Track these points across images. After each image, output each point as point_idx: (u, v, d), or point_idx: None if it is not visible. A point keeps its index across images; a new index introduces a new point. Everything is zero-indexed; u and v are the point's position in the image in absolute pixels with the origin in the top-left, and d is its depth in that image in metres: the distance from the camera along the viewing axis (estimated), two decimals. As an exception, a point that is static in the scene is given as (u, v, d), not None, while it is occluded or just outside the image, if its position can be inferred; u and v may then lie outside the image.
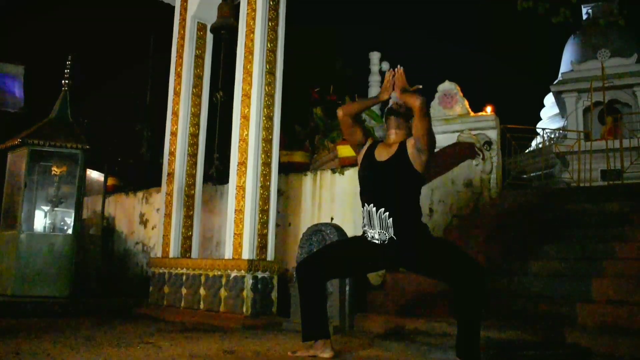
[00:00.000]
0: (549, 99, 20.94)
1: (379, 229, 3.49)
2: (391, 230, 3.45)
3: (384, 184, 3.55)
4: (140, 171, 10.03)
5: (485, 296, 3.52)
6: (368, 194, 3.61)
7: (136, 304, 7.19)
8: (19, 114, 13.36)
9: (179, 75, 7.37)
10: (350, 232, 5.69)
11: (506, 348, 4.12)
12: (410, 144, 3.56)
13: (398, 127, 3.69)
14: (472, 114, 10.30)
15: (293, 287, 5.74)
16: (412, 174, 3.54)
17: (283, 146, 7.00)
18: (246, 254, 6.00)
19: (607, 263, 5.23)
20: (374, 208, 3.50)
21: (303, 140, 7.79)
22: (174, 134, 7.27)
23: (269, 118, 6.32)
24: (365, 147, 3.81)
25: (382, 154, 3.66)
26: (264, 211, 6.17)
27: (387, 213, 3.44)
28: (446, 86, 10.73)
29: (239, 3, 6.77)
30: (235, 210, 6.16)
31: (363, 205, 3.62)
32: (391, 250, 3.50)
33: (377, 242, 3.52)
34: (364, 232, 3.64)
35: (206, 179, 7.51)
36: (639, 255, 5.25)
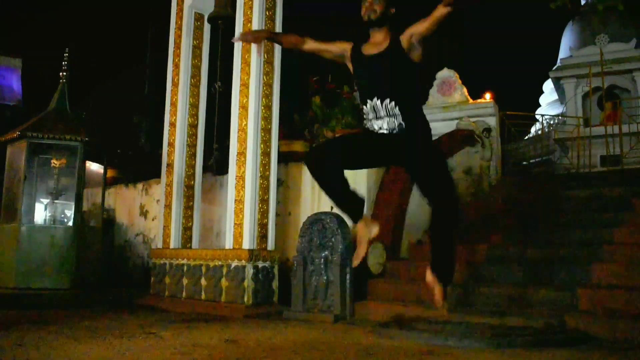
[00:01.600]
0: (548, 85, 20.87)
1: (387, 118, 3.50)
2: (400, 117, 3.47)
3: (384, 76, 3.54)
4: (139, 162, 10.04)
5: (458, 220, 3.69)
6: (369, 89, 3.60)
7: (137, 295, 7.21)
8: (17, 106, 13.35)
9: (176, 66, 7.35)
10: (350, 221, 5.69)
11: (507, 333, 4.14)
12: (405, 38, 3.53)
13: (379, 30, 3.65)
14: (471, 101, 10.27)
15: (293, 276, 5.76)
16: (410, 64, 3.54)
17: (282, 136, 6.99)
18: (247, 244, 6.01)
19: (607, 248, 5.24)
20: (378, 100, 3.50)
21: (302, 129, 7.77)
22: (172, 124, 7.26)
23: (268, 108, 6.31)
24: (349, 51, 3.77)
25: (372, 50, 3.64)
26: (264, 201, 6.18)
27: (393, 102, 3.46)
28: (445, 73, 10.70)
29: (236, -8, 6.75)
30: (235, 200, 6.17)
31: (365, 103, 3.60)
32: (399, 137, 3.51)
33: (385, 131, 3.52)
34: (370, 127, 3.61)
35: (206, 169, 7.51)
36: (639, 240, 5.26)
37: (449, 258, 3.64)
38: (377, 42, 3.65)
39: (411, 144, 3.51)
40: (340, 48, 3.80)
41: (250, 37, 3.97)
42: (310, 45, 3.82)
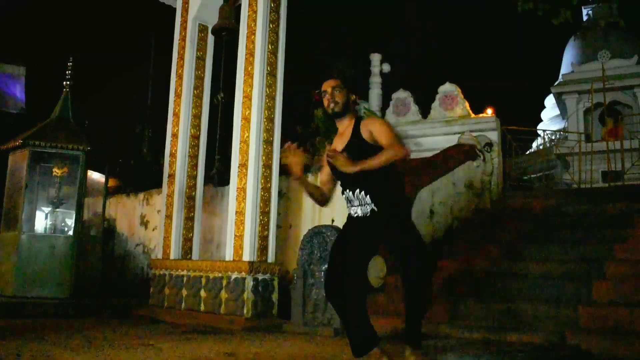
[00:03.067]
0: (550, 101, 20.94)
1: (360, 207, 3.62)
2: (372, 204, 3.58)
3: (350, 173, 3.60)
4: (141, 172, 10.04)
5: (430, 292, 3.73)
6: (343, 183, 3.72)
7: (136, 305, 7.19)
8: (20, 114, 13.37)
9: (180, 77, 7.37)
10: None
11: (507, 350, 4.12)
12: (365, 129, 3.60)
13: (343, 119, 3.73)
14: (472, 115, 10.28)
15: (293, 288, 5.74)
16: (372, 150, 3.55)
17: (283, 148, 6.99)
18: (247, 256, 5.99)
19: (608, 265, 5.23)
20: (350, 192, 3.64)
21: (304, 141, 7.78)
22: (175, 135, 7.27)
23: (270, 120, 6.32)
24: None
25: (337, 145, 3.72)
26: (264, 213, 6.17)
27: (363, 192, 3.58)
28: (447, 88, 10.71)
29: (240, 5, 6.78)
30: (236, 212, 6.16)
31: (343, 193, 3.73)
32: (375, 219, 3.58)
33: (361, 215, 3.63)
34: (349, 212, 3.73)
35: (207, 180, 7.51)
36: (640, 257, 5.25)
37: (419, 327, 3.68)
38: (342, 132, 3.75)
39: (385, 224, 3.59)
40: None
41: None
42: (328, 187, 3.92)
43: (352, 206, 3.68)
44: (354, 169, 3.37)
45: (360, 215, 3.62)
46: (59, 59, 8.83)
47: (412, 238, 3.68)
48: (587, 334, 4.31)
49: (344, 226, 3.78)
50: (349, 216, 3.73)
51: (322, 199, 3.88)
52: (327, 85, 3.74)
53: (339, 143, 3.71)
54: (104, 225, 8.89)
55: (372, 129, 3.58)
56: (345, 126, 3.73)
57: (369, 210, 3.58)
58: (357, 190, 3.59)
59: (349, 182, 3.62)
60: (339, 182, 3.80)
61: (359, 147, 3.56)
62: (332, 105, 3.70)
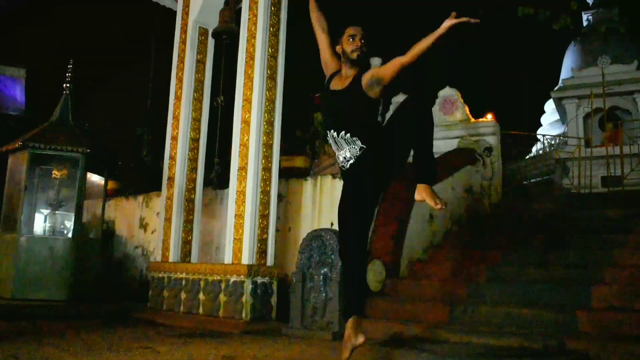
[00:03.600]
0: (550, 105, 20.96)
1: (347, 147, 3.59)
2: (358, 143, 3.56)
3: (339, 112, 3.65)
4: (140, 175, 10.04)
5: (431, 122, 3.67)
6: (329, 121, 3.73)
7: (135, 308, 7.18)
8: (20, 116, 13.37)
9: (180, 80, 7.38)
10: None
11: (506, 354, 4.11)
12: (366, 77, 3.59)
13: (350, 67, 3.70)
14: (472, 120, 10.31)
15: (292, 292, 5.73)
16: (367, 101, 3.59)
17: (283, 151, 7.00)
18: (246, 259, 5.99)
19: (608, 270, 5.23)
20: (335, 132, 3.62)
21: (303, 145, 7.79)
22: (174, 138, 7.27)
23: (270, 123, 6.33)
24: (328, 74, 3.86)
25: (336, 85, 3.73)
26: (264, 216, 6.17)
27: (349, 134, 3.56)
28: (447, 92, 10.74)
29: (240, 8, 6.79)
30: (235, 215, 6.16)
31: (326, 134, 3.73)
32: (364, 156, 3.57)
33: (351, 160, 3.60)
34: (339, 162, 3.71)
35: (206, 183, 7.50)
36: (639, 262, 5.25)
37: (434, 162, 3.93)
38: (346, 76, 3.72)
39: (378, 153, 3.57)
40: (328, 62, 3.88)
41: None
42: (321, 35, 3.93)
43: (339, 150, 3.64)
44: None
45: (350, 158, 3.60)
46: (59, 61, 8.84)
47: (366, 197, 3.62)
48: (586, 339, 4.30)
49: (343, 186, 3.76)
50: (342, 170, 3.71)
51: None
52: (357, 31, 3.69)
53: (338, 84, 3.70)
54: (103, 227, 8.88)
55: (376, 71, 3.56)
56: (350, 72, 3.70)
57: (358, 149, 3.56)
58: (343, 133, 3.57)
59: (335, 123, 3.62)
60: None
61: (352, 95, 3.58)
62: (358, 52, 3.66)
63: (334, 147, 3.70)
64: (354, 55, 3.65)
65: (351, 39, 3.67)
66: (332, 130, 3.63)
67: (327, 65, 3.90)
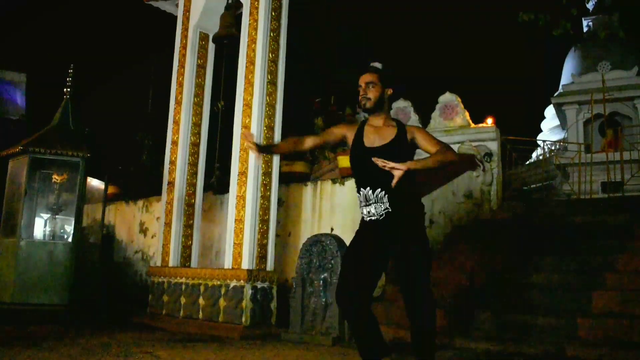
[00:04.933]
0: (550, 111, 20.96)
1: (374, 204, 3.51)
2: (387, 203, 3.48)
3: (381, 170, 3.43)
4: (140, 180, 10.03)
5: (434, 327, 3.57)
6: (364, 179, 3.59)
7: (135, 312, 7.17)
8: (20, 121, 13.38)
9: (180, 84, 7.39)
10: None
11: (506, 361, 4.11)
12: (409, 136, 3.55)
13: (378, 115, 3.64)
14: (472, 125, 10.28)
15: (292, 297, 5.73)
16: (409, 155, 3.54)
17: (284, 156, 7.01)
18: (246, 264, 5.99)
19: (608, 276, 5.22)
20: (370, 191, 3.51)
21: (304, 150, 7.78)
22: (174, 142, 7.28)
23: (270, 128, 6.33)
24: (350, 138, 3.71)
25: (373, 140, 3.61)
26: (264, 221, 6.16)
27: (383, 192, 3.47)
28: (447, 97, 10.72)
29: (241, 13, 6.80)
30: (236, 219, 6.16)
31: (359, 190, 3.59)
32: (387, 223, 3.50)
33: (374, 217, 3.52)
34: (362, 213, 3.62)
35: (206, 188, 7.50)
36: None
37: (432, 350, 3.56)
38: (378, 127, 3.64)
39: (401, 228, 3.49)
40: (340, 134, 3.77)
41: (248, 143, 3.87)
42: (309, 143, 3.81)
43: (366, 205, 3.55)
44: (405, 166, 3.27)
45: (373, 216, 3.51)
46: (60, 66, 8.85)
47: (421, 255, 3.49)
48: (585, 345, 4.30)
49: (357, 232, 3.63)
50: (362, 221, 3.62)
51: (292, 150, 3.91)
52: (362, 80, 3.64)
53: (377, 138, 3.59)
54: (103, 232, 8.87)
55: (417, 135, 3.54)
56: (380, 122, 3.63)
57: (383, 210, 3.49)
58: (379, 190, 3.47)
59: (371, 181, 3.50)
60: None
61: (398, 151, 3.49)
62: (364, 101, 3.61)
63: (361, 202, 3.60)
64: (361, 106, 3.64)
65: (359, 91, 3.64)
66: (369, 188, 3.52)
67: (338, 138, 3.80)
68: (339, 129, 3.77)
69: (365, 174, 3.57)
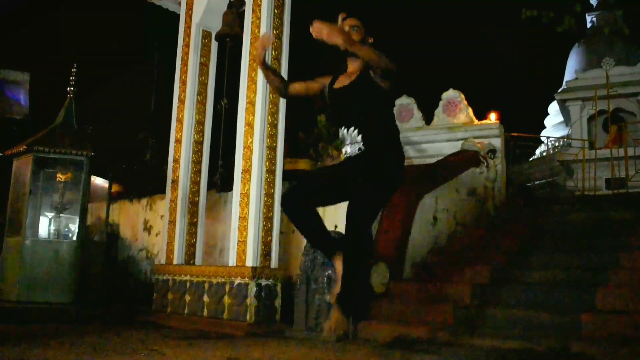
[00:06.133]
0: (554, 107, 20.94)
1: (351, 145, 3.61)
2: (361, 143, 3.56)
3: (348, 107, 3.65)
4: (144, 178, 10.05)
5: (363, 253, 3.52)
6: (338, 120, 3.74)
7: (140, 310, 7.19)
8: (24, 120, 13.40)
9: (183, 83, 7.39)
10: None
11: (509, 358, 4.11)
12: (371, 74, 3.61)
13: (355, 59, 3.68)
14: (476, 122, 10.28)
15: (296, 294, 5.74)
16: (378, 92, 3.59)
17: (287, 154, 7.01)
18: (250, 261, 6.00)
19: (612, 272, 5.22)
20: (345, 129, 3.64)
21: (307, 147, 7.79)
22: (178, 141, 7.29)
23: (274, 126, 6.33)
24: (327, 85, 3.85)
25: (343, 82, 3.73)
26: (268, 218, 6.17)
27: (357, 130, 3.57)
28: (450, 94, 10.72)
29: (244, 11, 6.81)
30: (240, 217, 6.17)
31: (337, 132, 3.75)
32: (356, 158, 3.58)
33: (350, 155, 3.62)
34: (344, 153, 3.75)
35: (210, 186, 7.51)
36: (644, 265, 5.23)
37: (347, 285, 3.46)
38: (351, 72, 3.74)
39: (359, 161, 3.55)
40: (321, 83, 3.89)
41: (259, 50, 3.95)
42: (295, 87, 3.94)
43: (344, 144, 3.67)
44: (342, 39, 3.28)
45: (350, 154, 3.61)
46: (63, 64, 8.86)
47: (368, 197, 3.50)
48: (590, 342, 4.29)
49: (329, 166, 3.77)
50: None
51: (279, 88, 3.97)
52: (346, 23, 3.72)
53: (345, 81, 3.70)
54: (107, 230, 8.90)
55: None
56: (355, 67, 3.71)
57: (356, 150, 3.57)
58: (352, 129, 3.57)
59: (345, 120, 3.63)
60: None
61: (361, 88, 3.58)
62: None
63: (342, 142, 3.71)
64: (342, 48, 3.51)
65: None
66: (343, 127, 3.65)
67: (319, 87, 3.91)
68: (323, 78, 3.89)
69: (338, 114, 3.74)
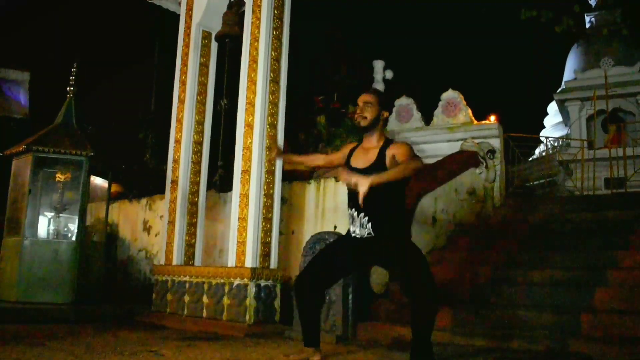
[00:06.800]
0: (553, 107, 20.96)
1: (359, 228, 3.73)
2: (370, 229, 3.68)
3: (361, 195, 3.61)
4: (144, 178, 10.05)
5: (434, 316, 3.60)
6: (351, 200, 3.79)
7: (139, 311, 7.19)
8: (23, 120, 13.41)
9: (183, 83, 7.39)
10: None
11: (509, 358, 4.11)
12: (389, 154, 3.69)
13: (371, 135, 3.84)
14: (475, 122, 10.29)
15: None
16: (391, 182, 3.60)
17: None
18: (249, 262, 6.00)
19: (611, 272, 5.23)
20: (355, 212, 3.73)
21: (307, 148, 7.80)
22: (178, 141, 7.28)
23: (273, 126, 6.34)
24: (347, 154, 3.97)
25: (359, 161, 3.81)
26: (267, 219, 6.18)
27: (367, 218, 3.67)
28: (450, 94, 10.72)
29: (244, 11, 6.81)
30: (239, 218, 6.17)
31: (349, 208, 3.83)
32: (369, 243, 3.71)
33: (357, 236, 3.75)
34: (349, 228, 3.86)
35: (210, 186, 7.52)
36: (643, 265, 5.24)
37: (428, 348, 3.61)
38: (368, 147, 3.84)
39: (384, 248, 3.68)
40: (343, 155, 4.01)
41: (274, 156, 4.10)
42: (320, 161, 4.17)
43: (352, 225, 3.77)
44: (368, 181, 3.34)
45: (357, 235, 3.73)
46: (63, 64, 8.86)
47: (416, 268, 3.58)
48: (589, 341, 4.31)
49: (341, 237, 3.88)
50: (348, 232, 3.84)
51: (307, 168, 4.17)
52: (361, 99, 3.83)
53: (363, 160, 3.78)
54: (106, 230, 8.90)
55: (396, 152, 3.65)
56: (372, 144, 3.81)
57: (365, 233, 3.69)
58: (362, 215, 3.66)
59: (355, 203, 3.64)
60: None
61: (378, 170, 3.59)
62: (359, 119, 3.80)
63: (349, 219, 3.82)
64: (356, 123, 3.84)
65: (357, 109, 3.84)
66: (354, 209, 3.73)
67: (341, 160, 4.01)
68: (344, 149, 4.05)
69: (351, 195, 3.76)
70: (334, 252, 3.90)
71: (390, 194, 3.67)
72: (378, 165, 3.65)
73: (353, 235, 3.76)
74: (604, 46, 19.07)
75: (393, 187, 3.61)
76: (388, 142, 3.79)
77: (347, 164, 3.86)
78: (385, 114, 3.84)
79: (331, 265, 3.85)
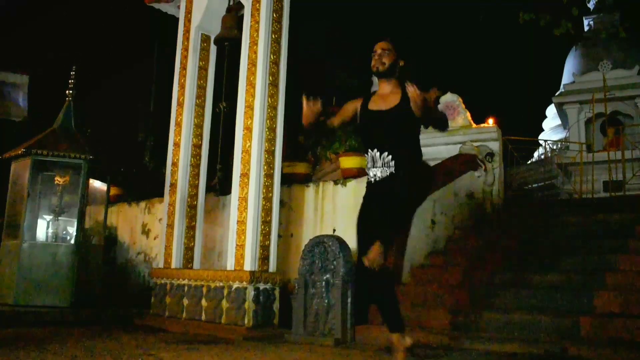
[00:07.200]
0: (551, 110, 20.97)
1: (381, 168, 3.67)
2: (393, 168, 3.64)
3: (387, 132, 3.70)
4: (143, 181, 10.04)
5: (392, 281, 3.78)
6: (372, 141, 3.77)
7: (138, 314, 7.18)
8: (22, 123, 13.39)
9: (182, 86, 7.39)
10: (352, 244, 5.68)
11: (508, 361, 4.11)
12: (412, 100, 3.59)
13: (387, 81, 3.83)
14: (474, 125, 10.28)
15: (294, 298, 5.74)
16: (414, 120, 3.63)
17: (285, 157, 7.01)
18: (248, 265, 6.00)
19: (610, 275, 5.23)
20: (378, 152, 3.68)
21: (305, 151, 7.79)
22: (177, 144, 7.29)
23: (272, 129, 6.34)
24: (359, 107, 3.92)
25: (379, 104, 3.79)
26: (266, 222, 6.17)
27: (390, 156, 3.64)
28: (448, 98, 10.71)
29: (242, 15, 6.81)
30: (238, 221, 6.17)
31: (367, 152, 3.79)
32: (387, 182, 3.66)
33: (378, 179, 3.69)
34: (368, 174, 3.79)
35: (209, 189, 7.51)
36: (642, 268, 5.25)
37: (394, 310, 3.68)
38: (385, 94, 3.82)
39: (392, 186, 3.63)
40: (353, 108, 3.96)
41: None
42: (337, 120, 4.04)
43: (373, 167, 3.71)
44: (423, 96, 3.37)
45: (379, 177, 3.67)
46: (62, 67, 8.85)
47: (394, 218, 3.60)
48: (588, 344, 4.31)
49: (364, 196, 3.81)
50: (368, 182, 3.78)
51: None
52: (378, 46, 3.83)
53: (384, 103, 3.76)
54: (105, 233, 8.87)
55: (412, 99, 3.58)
56: (388, 90, 3.80)
57: (387, 173, 3.64)
58: (386, 154, 3.63)
59: (379, 143, 3.67)
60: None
61: (402, 114, 3.63)
62: (378, 65, 3.79)
63: (368, 163, 3.77)
64: (374, 70, 3.81)
65: (373, 56, 3.82)
66: (376, 150, 3.69)
67: (353, 110, 3.97)
68: (351, 104, 3.98)
69: (372, 136, 3.78)
70: (367, 217, 3.77)
71: (412, 131, 3.71)
72: (403, 106, 3.65)
73: (373, 181, 3.71)
74: (603, 49, 19.10)
75: (412, 125, 3.68)
76: (402, 84, 3.76)
77: (364, 109, 3.84)
78: (402, 62, 3.84)
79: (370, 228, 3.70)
